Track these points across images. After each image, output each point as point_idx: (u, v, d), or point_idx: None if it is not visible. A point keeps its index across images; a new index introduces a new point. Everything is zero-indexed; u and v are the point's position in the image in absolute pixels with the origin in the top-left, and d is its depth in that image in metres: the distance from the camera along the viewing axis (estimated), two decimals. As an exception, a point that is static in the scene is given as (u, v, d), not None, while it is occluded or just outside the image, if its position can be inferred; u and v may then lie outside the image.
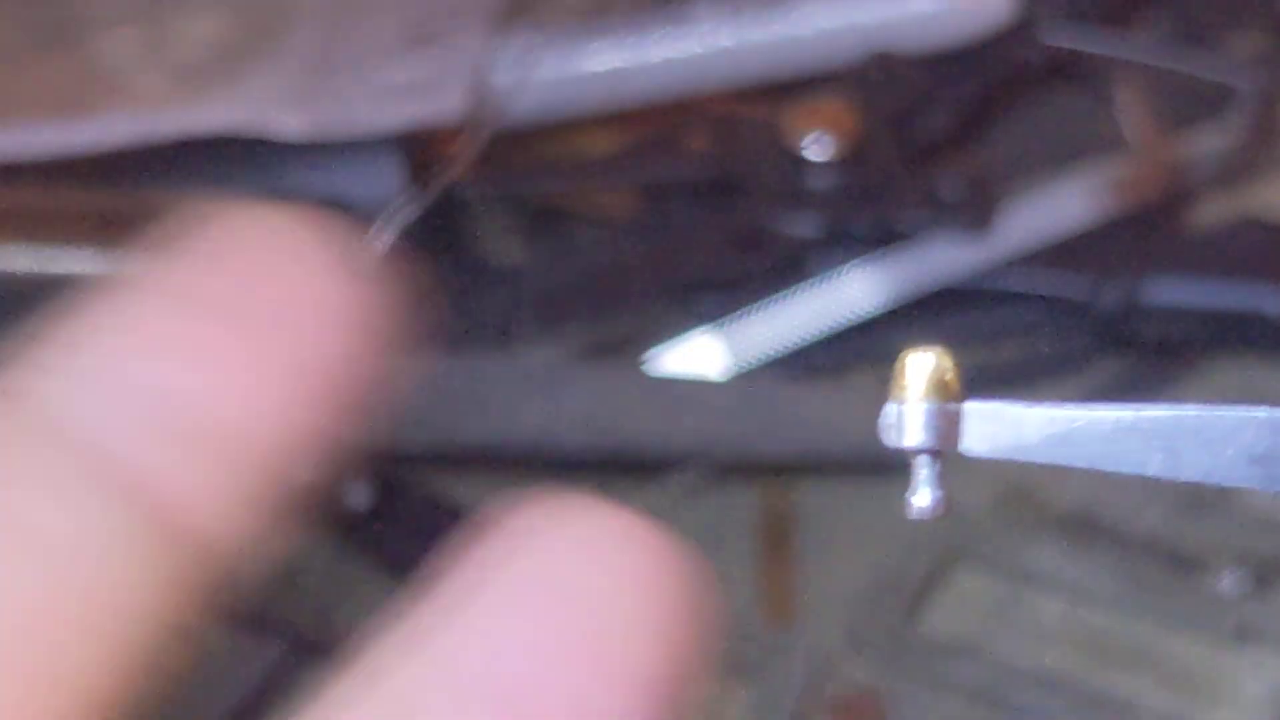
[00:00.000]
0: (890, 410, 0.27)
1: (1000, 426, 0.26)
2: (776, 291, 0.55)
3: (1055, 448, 0.26)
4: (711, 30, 0.58)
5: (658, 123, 0.58)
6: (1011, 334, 0.56)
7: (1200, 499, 0.51)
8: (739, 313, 0.55)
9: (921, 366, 0.27)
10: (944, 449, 0.27)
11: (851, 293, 0.55)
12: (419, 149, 0.57)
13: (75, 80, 0.58)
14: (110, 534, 0.28)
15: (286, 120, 0.55)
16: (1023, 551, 0.51)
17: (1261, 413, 0.26)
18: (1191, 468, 0.26)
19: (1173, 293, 0.55)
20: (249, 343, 0.30)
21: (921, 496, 0.27)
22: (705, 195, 0.57)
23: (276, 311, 0.30)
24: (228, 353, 0.30)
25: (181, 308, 0.30)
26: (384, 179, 0.57)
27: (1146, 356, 0.56)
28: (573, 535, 0.29)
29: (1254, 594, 0.50)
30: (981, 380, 0.55)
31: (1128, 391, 0.55)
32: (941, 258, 0.55)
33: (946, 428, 0.27)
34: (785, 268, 0.56)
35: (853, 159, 0.56)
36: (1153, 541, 0.51)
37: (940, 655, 0.50)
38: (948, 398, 0.27)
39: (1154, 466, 0.26)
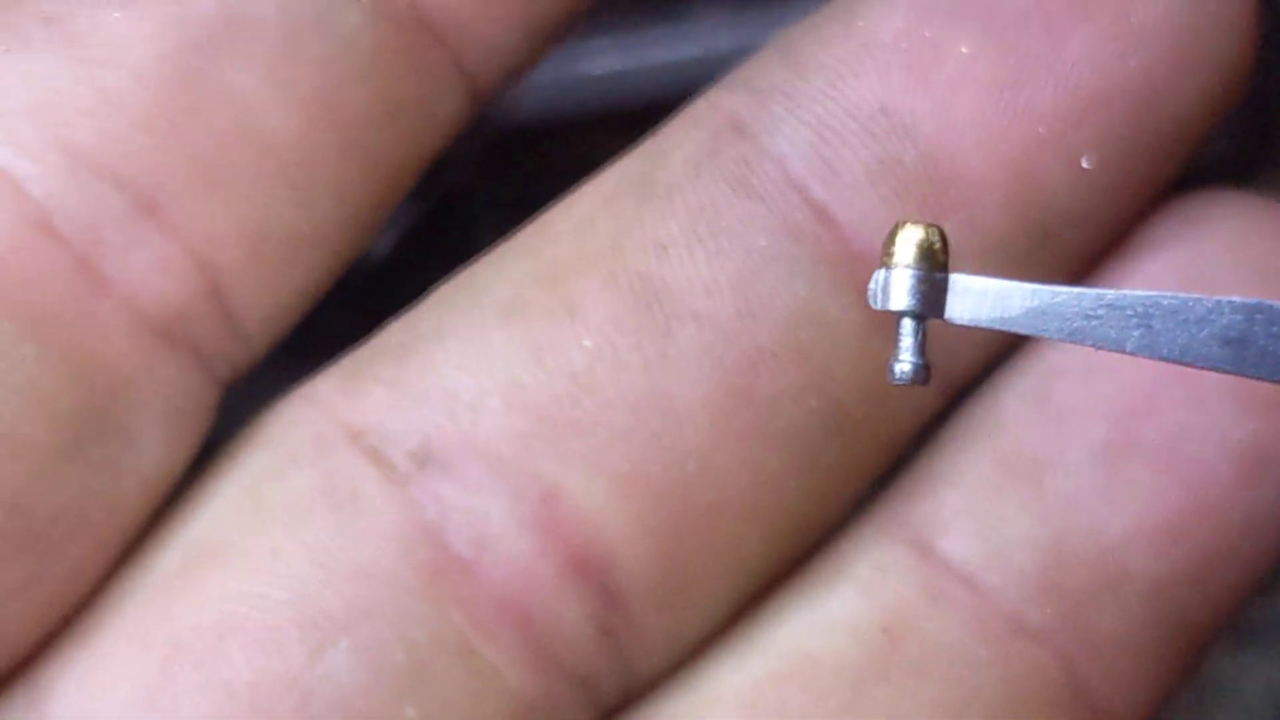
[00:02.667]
0: (878, 276, 0.27)
1: (984, 298, 0.27)
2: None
3: (1036, 320, 0.26)
4: (711, 32, 0.58)
5: (657, 125, 0.58)
6: (1011, 335, 0.56)
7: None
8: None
9: (911, 236, 0.27)
10: (928, 315, 0.27)
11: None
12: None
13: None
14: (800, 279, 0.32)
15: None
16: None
17: (1238, 299, 0.27)
18: (1167, 347, 0.26)
19: (1172, 293, 0.55)
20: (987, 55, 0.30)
21: (904, 363, 0.27)
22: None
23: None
24: (965, 70, 0.30)
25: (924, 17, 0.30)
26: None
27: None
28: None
29: (1253, 595, 0.50)
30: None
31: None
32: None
33: (932, 295, 0.27)
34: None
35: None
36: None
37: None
38: (935, 267, 0.27)
39: (1131, 343, 0.27)
